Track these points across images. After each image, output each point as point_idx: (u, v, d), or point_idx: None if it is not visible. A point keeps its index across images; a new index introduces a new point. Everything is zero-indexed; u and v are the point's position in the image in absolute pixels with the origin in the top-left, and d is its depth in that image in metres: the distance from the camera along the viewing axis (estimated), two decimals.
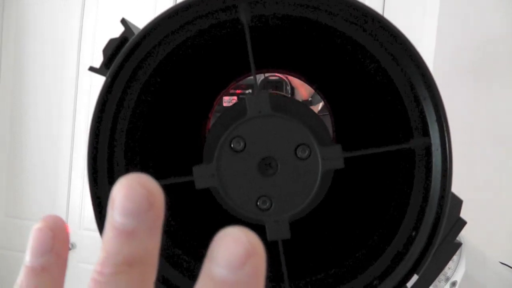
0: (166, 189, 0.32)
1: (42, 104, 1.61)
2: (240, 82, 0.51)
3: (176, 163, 0.36)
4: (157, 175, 0.31)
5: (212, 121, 0.52)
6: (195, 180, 0.27)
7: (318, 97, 0.63)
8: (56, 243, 0.16)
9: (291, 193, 0.27)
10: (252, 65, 0.26)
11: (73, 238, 1.56)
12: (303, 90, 0.95)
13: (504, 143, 1.10)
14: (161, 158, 0.35)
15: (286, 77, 0.93)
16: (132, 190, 0.14)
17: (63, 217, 1.56)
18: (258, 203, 0.28)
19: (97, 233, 0.24)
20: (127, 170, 0.29)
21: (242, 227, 0.14)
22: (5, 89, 1.67)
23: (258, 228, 0.30)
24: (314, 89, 0.55)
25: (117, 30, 0.29)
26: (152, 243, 0.15)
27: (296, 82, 0.93)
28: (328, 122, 0.54)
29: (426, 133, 0.28)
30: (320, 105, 0.89)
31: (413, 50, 0.26)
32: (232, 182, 0.27)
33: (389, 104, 0.31)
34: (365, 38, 0.28)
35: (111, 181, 0.28)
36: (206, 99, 0.53)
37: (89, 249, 1.48)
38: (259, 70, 0.58)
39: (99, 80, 0.27)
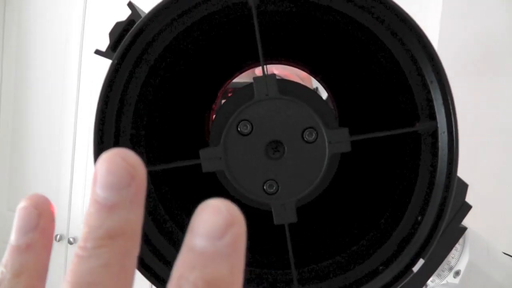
0: (171, 172, 0.32)
1: (44, 99, 1.61)
2: (235, 86, 0.50)
3: (180, 150, 0.36)
4: (162, 161, 0.31)
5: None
6: (202, 163, 0.27)
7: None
8: (41, 221, 0.16)
9: (298, 177, 0.27)
10: (260, 48, 0.26)
11: (75, 233, 1.56)
12: None
13: (508, 136, 1.10)
14: (165, 144, 0.35)
15: None
16: (114, 164, 0.14)
17: (65, 212, 1.56)
18: (265, 187, 0.28)
19: None
20: None
21: (222, 199, 0.14)
22: (7, 87, 1.67)
23: (265, 215, 0.30)
24: (318, 80, 0.55)
25: (123, 15, 0.29)
26: (134, 216, 0.15)
27: None
28: None
29: (432, 116, 0.28)
30: None
31: (420, 32, 0.26)
32: (239, 165, 0.27)
33: (395, 89, 0.31)
34: (371, 22, 0.28)
35: None
36: (210, 89, 0.53)
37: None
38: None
39: (102, 72, 0.27)
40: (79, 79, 1.57)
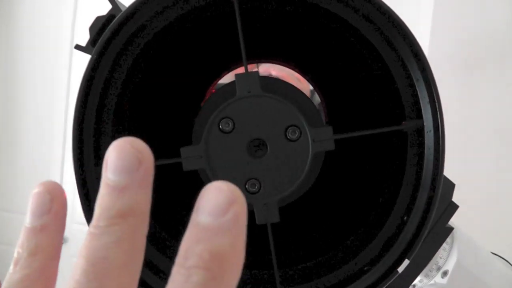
0: (156, 174, 0.31)
1: (33, 98, 1.60)
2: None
3: (166, 148, 0.36)
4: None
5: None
6: (182, 161, 0.26)
7: (316, 98, 0.63)
8: (54, 205, 0.18)
9: (280, 176, 0.27)
10: (242, 43, 0.26)
11: (65, 233, 1.55)
12: None
13: (499, 136, 1.10)
14: (149, 142, 0.34)
15: None
16: (123, 150, 0.15)
17: None
18: (247, 186, 0.27)
19: None
20: None
21: (225, 181, 0.15)
22: None
23: (248, 214, 0.29)
24: (307, 80, 0.54)
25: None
26: (142, 197, 0.16)
27: None
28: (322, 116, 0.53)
29: (418, 115, 0.27)
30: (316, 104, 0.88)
31: (407, 30, 0.25)
32: (220, 164, 0.27)
33: (382, 88, 0.30)
34: (358, 20, 0.28)
35: (98, 163, 0.28)
36: (197, 88, 0.52)
37: (82, 243, 1.47)
38: (252, 60, 0.57)
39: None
40: (70, 76, 1.55)
